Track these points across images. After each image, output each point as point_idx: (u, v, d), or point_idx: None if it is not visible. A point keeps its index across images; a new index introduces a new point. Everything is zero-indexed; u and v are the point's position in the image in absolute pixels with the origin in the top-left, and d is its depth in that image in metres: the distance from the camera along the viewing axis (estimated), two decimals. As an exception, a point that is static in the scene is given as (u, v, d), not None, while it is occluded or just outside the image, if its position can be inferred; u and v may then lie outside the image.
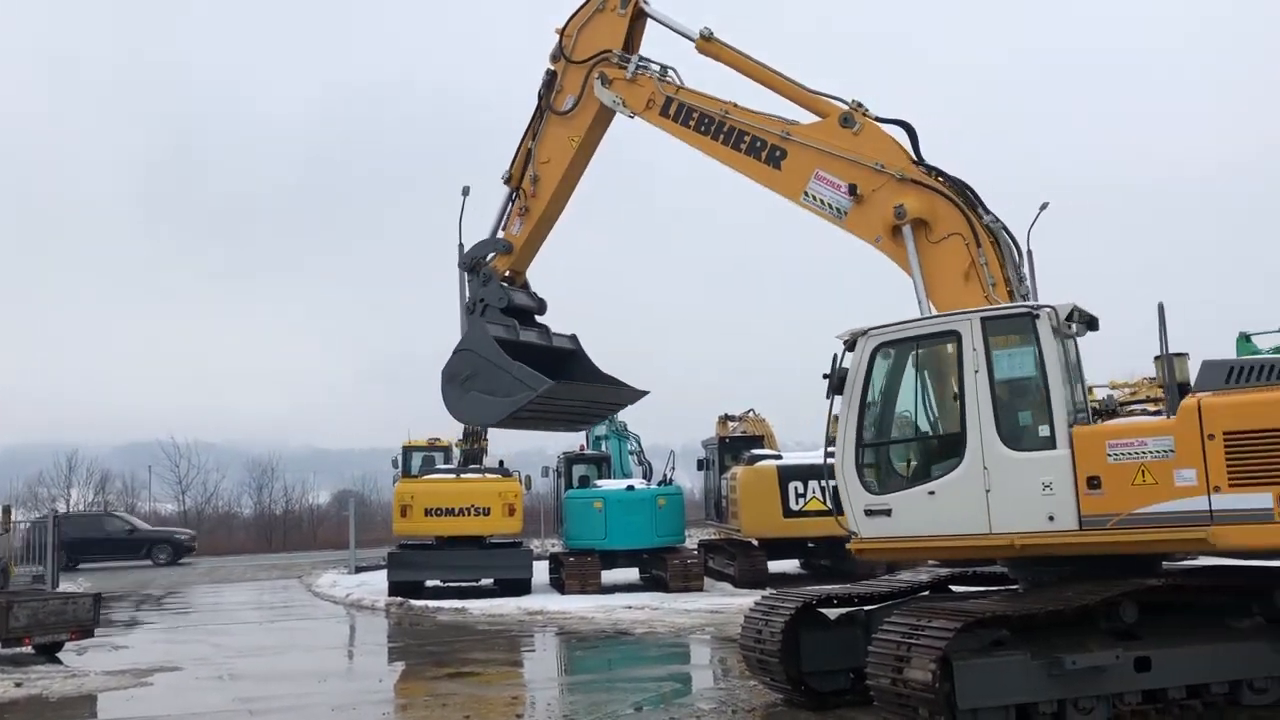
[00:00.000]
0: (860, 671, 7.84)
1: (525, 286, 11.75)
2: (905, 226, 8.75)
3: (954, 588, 9.25)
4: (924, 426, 8.42)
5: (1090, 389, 8.84)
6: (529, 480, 24.91)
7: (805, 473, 20.00)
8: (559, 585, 21.07)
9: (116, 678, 12.17)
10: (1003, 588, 8.71)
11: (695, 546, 23.48)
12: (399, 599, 20.11)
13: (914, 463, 8.45)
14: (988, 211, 8.85)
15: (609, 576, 21.22)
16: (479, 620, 17.41)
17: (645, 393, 11.96)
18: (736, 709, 9.00)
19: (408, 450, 29.00)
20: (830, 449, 8.45)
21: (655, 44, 10.98)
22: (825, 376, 8.46)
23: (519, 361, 10.53)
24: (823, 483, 8.78)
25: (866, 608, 9.02)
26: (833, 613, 9.14)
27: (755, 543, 21.34)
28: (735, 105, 10.00)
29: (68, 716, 10.34)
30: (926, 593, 9.05)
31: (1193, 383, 7.54)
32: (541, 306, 11.75)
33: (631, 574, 22.38)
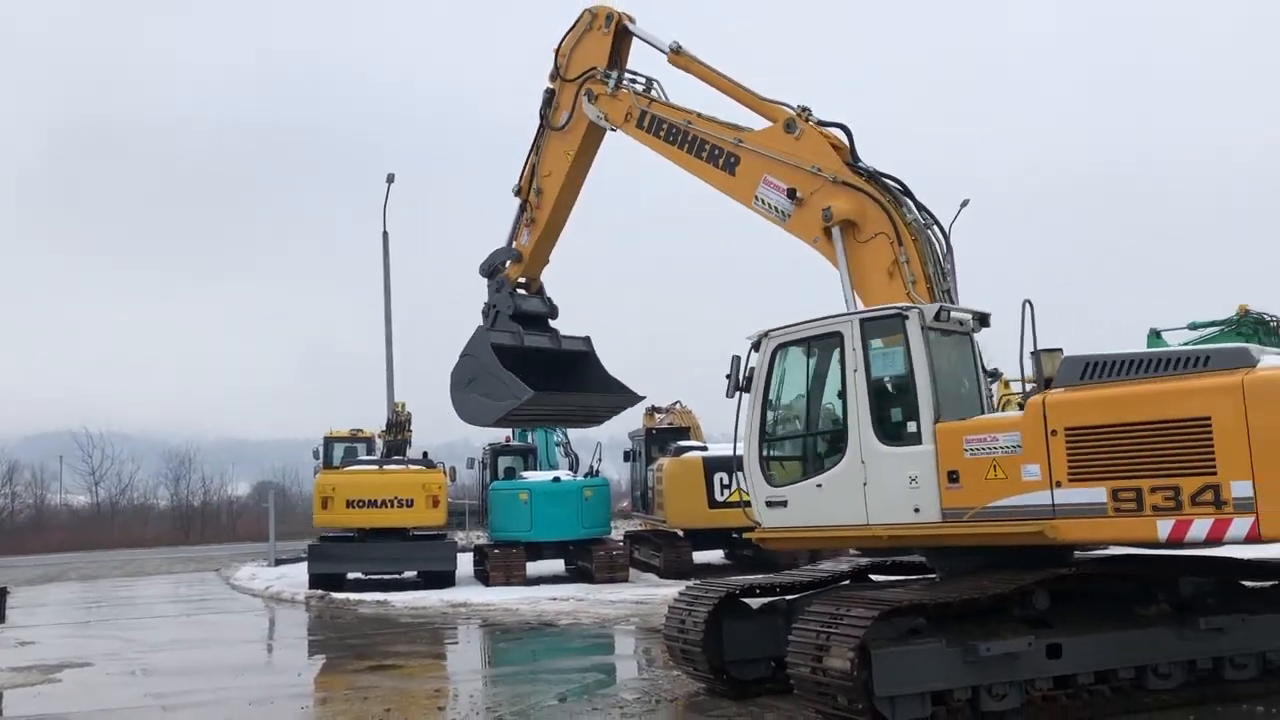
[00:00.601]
0: (781, 660, 7.95)
1: (540, 292, 12.70)
2: (834, 228, 9.02)
3: (874, 577, 9.41)
4: (815, 423, 8.75)
5: (1006, 382, 9.07)
6: (453, 472, 24.73)
7: (731, 464, 20.00)
8: (483, 577, 20.96)
9: (23, 674, 11.83)
10: (921, 577, 8.88)
11: (621, 538, 23.54)
12: (319, 592, 19.86)
13: (806, 457, 8.80)
14: (919, 209, 9.06)
15: (534, 568, 21.17)
16: (401, 613, 17.24)
17: (641, 397, 13.12)
18: (659, 699, 9.04)
19: (329, 441, 28.58)
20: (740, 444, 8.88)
21: (646, 60, 11.54)
22: (726, 377, 8.85)
23: (513, 370, 11.53)
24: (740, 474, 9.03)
25: (788, 597, 9.13)
26: (755, 602, 9.24)
27: (681, 533, 21.47)
28: (699, 115, 10.47)
29: (-30, 715, 10.01)
30: (847, 582, 9.20)
31: None
32: (553, 311, 12.74)
33: (557, 565, 22.35)
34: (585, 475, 22.22)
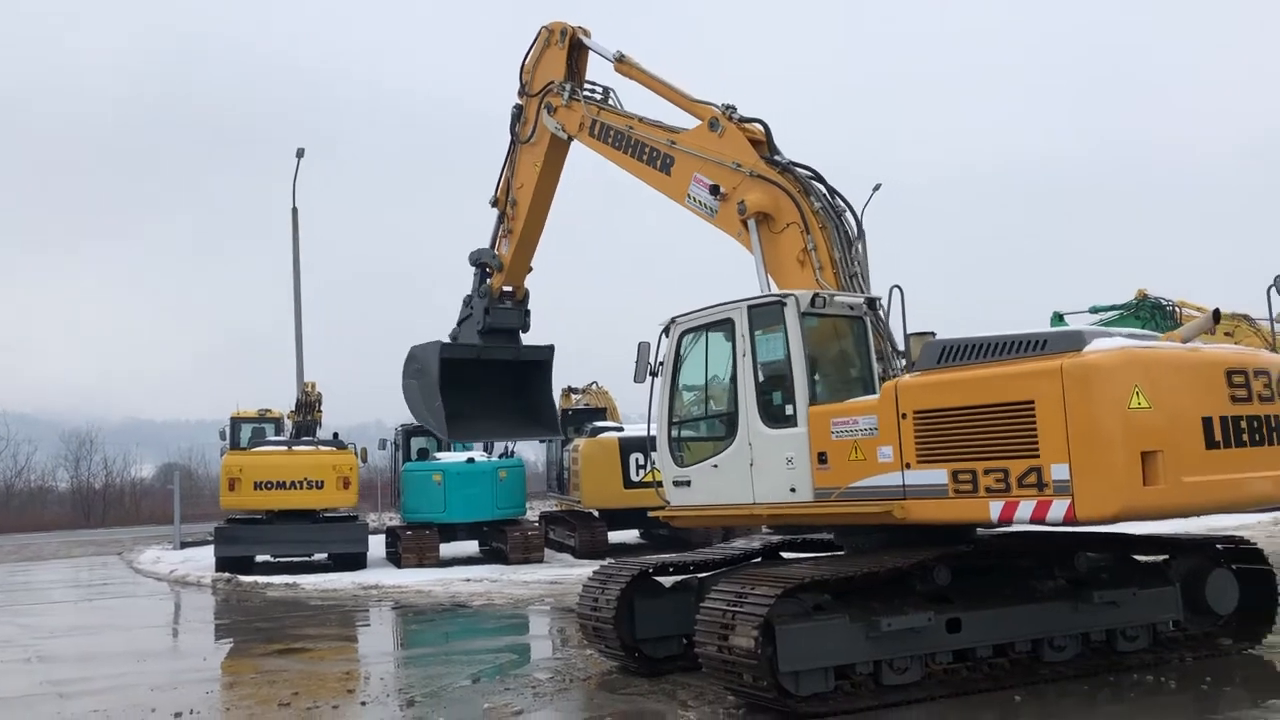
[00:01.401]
0: (693, 637, 8.04)
1: (523, 300, 13.41)
2: (750, 220, 9.30)
3: (784, 554, 9.56)
4: (713, 406, 9.09)
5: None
6: (365, 453, 24.43)
7: (646, 445, 20.26)
8: (396, 559, 20.80)
9: (-90, 663, 11.39)
10: (829, 554, 9.05)
11: (536, 518, 23.52)
12: (227, 575, 19.50)
13: (706, 439, 9.11)
14: (831, 195, 9.27)
15: (448, 549, 21.05)
16: (311, 595, 17.01)
17: (558, 434, 15.92)
18: (572, 678, 9.08)
19: (236, 421, 27.96)
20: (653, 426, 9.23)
21: (606, 71, 12.04)
22: (635, 363, 9.11)
23: (464, 371, 12.97)
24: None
25: (700, 575, 9.24)
26: (668, 581, 9.33)
27: (596, 514, 21.56)
28: (640, 120, 10.91)
29: None
30: (758, 560, 9.34)
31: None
32: (525, 325, 13.56)
33: (471, 547, 22.25)
34: (500, 456, 22.12)
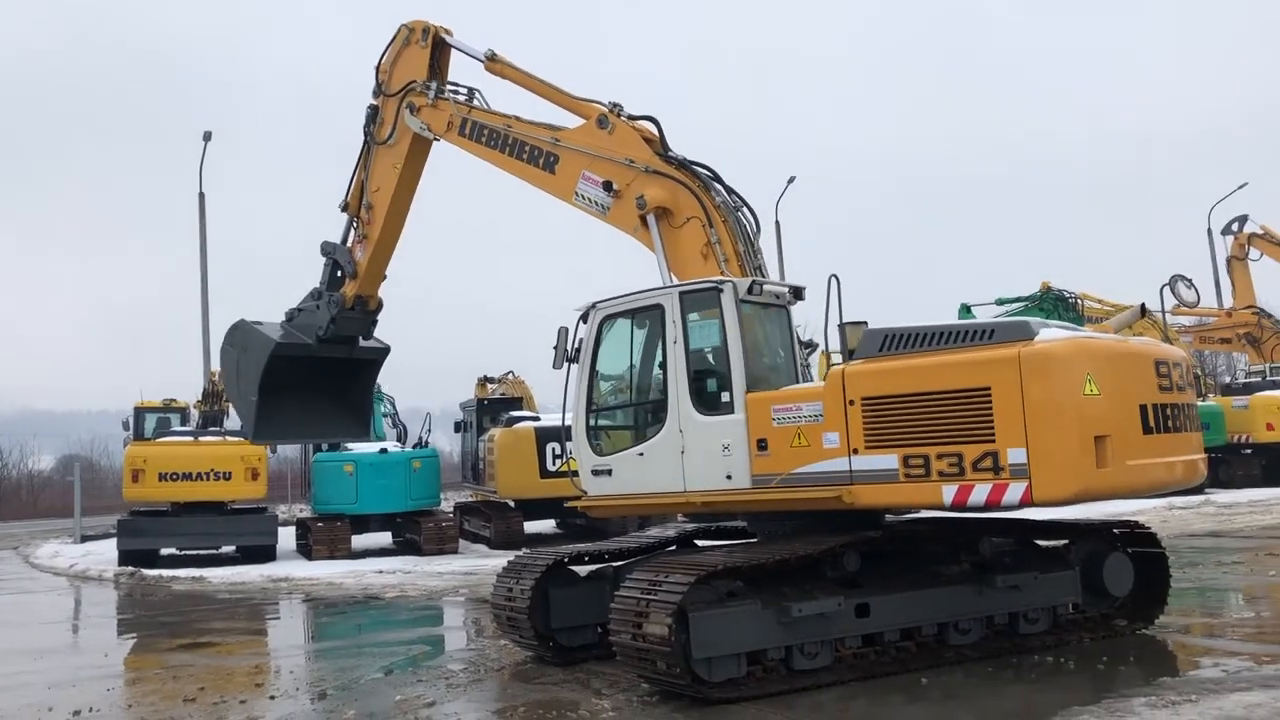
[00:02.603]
0: (607, 626, 8.06)
1: (375, 310, 12.81)
2: (650, 215, 9.29)
3: (699, 542, 9.63)
4: (638, 393, 8.96)
5: (827, 354, 9.40)
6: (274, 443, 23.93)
7: (562, 434, 20.26)
8: (306, 551, 20.47)
9: None
10: (741, 542, 9.14)
11: (451, 509, 23.34)
12: (130, 569, 18.98)
13: (630, 426, 9.01)
14: (727, 192, 9.38)
15: (360, 541, 20.80)
16: (219, 589, 16.65)
17: (362, 435, 14.56)
18: (486, 668, 9.04)
19: (140, 411, 27.18)
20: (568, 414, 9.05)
21: (468, 71, 11.75)
22: (554, 348, 8.96)
23: (292, 368, 12.36)
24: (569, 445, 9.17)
25: (615, 564, 9.26)
26: (583, 570, 9.33)
27: (512, 504, 21.48)
28: (517, 119, 10.69)
29: None
30: (673, 548, 9.39)
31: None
32: (366, 332, 12.91)
33: (384, 538, 22.01)
34: (414, 446, 21.90)
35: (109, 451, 55.54)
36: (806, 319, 9.36)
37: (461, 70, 11.91)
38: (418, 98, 11.66)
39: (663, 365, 8.51)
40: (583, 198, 9.94)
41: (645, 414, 8.81)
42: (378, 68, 12.29)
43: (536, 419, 21.60)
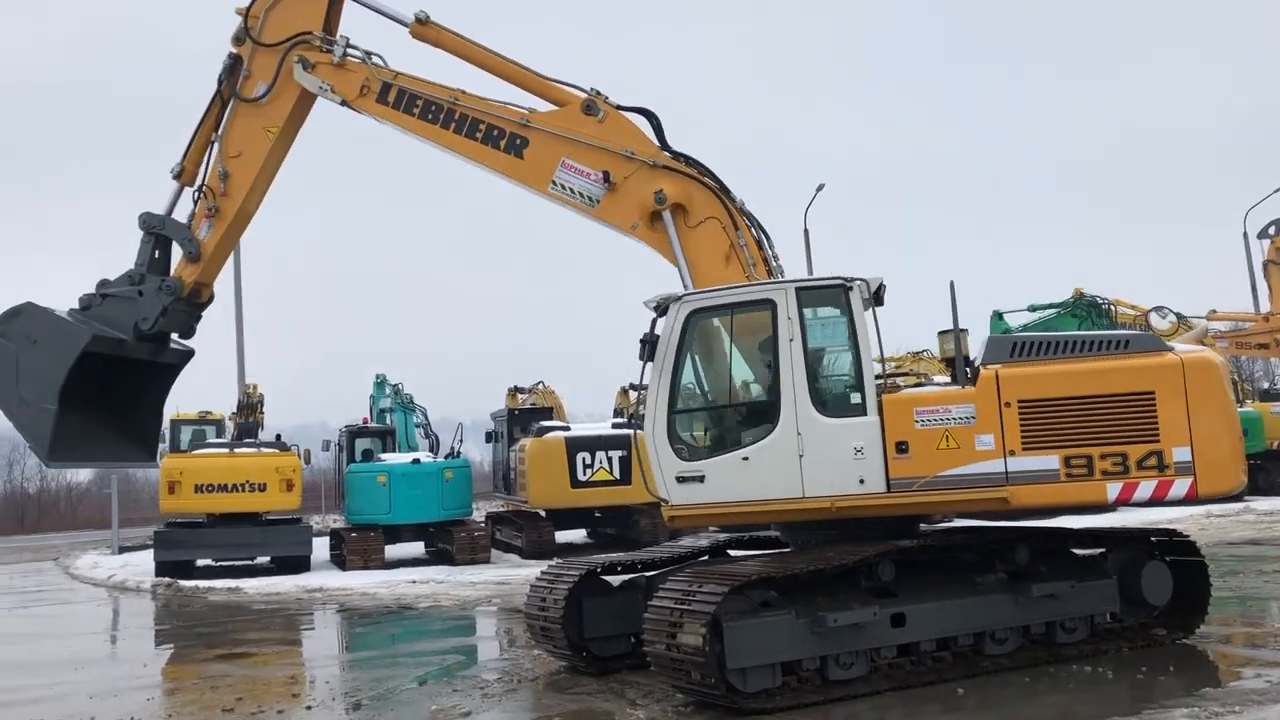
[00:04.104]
0: (641, 636, 8.05)
1: (205, 304, 10.81)
2: (665, 212, 8.84)
3: (731, 552, 9.61)
4: (737, 393, 8.47)
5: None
6: (308, 454, 24.18)
7: (593, 443, 20.33)
8: (340, 561, 20.59)
9: None
10: (775, 551, 9.11)
11: (482, 519, 23.43)
12: (167, 580, 19.22)
13: (727, 429, 8.46)
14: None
15: (393, 551, 20.90)
16: (254, 600, 16.79)
17: (148, 460, 11.45)
18: (520, 678, 9.06)
19: (176, 423, 27.52)
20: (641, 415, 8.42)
21: (355, 29, 10.19)
22: (642, 341, 8.25)
23: (93, 363, 9.97)
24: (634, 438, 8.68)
25: (647, 574, 9.26)
26: (615, 579, 9.33)
27: (543, 514, 21.51)
28: (464, 92, 9.56)
29: None
30: (705, 558, 9.37)
31: (974, 356, 8.18)
32: (188, 330, 10.83)
33: (417, 548, 22.11)
34: (446, 456, 22.01)
35: (145, 463, 56.13)
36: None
37: (368, 33, 10.14)
38: (315, 54, 9.94)
39: (770, 364, 8.10)
40: (562, 187, 9.14)
41: (748, 416, 8.37)
42: (246, 12, 10.25)
43: (567, 429, 21.65)
